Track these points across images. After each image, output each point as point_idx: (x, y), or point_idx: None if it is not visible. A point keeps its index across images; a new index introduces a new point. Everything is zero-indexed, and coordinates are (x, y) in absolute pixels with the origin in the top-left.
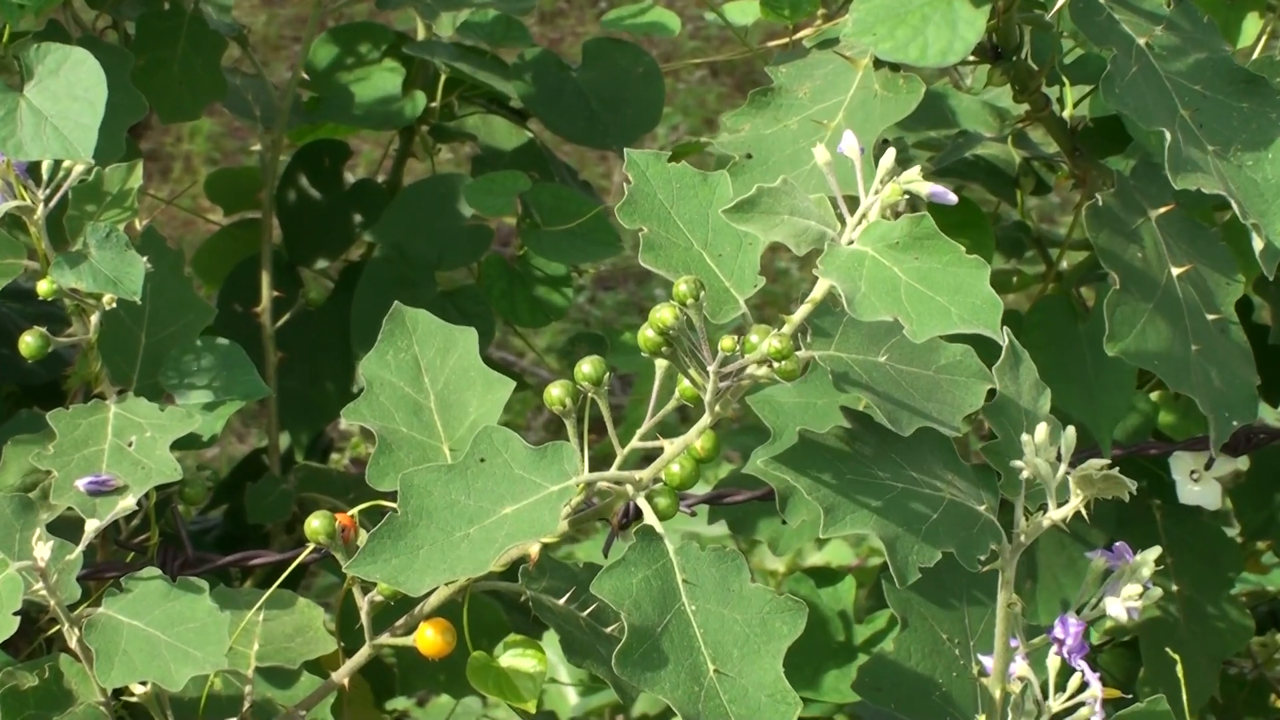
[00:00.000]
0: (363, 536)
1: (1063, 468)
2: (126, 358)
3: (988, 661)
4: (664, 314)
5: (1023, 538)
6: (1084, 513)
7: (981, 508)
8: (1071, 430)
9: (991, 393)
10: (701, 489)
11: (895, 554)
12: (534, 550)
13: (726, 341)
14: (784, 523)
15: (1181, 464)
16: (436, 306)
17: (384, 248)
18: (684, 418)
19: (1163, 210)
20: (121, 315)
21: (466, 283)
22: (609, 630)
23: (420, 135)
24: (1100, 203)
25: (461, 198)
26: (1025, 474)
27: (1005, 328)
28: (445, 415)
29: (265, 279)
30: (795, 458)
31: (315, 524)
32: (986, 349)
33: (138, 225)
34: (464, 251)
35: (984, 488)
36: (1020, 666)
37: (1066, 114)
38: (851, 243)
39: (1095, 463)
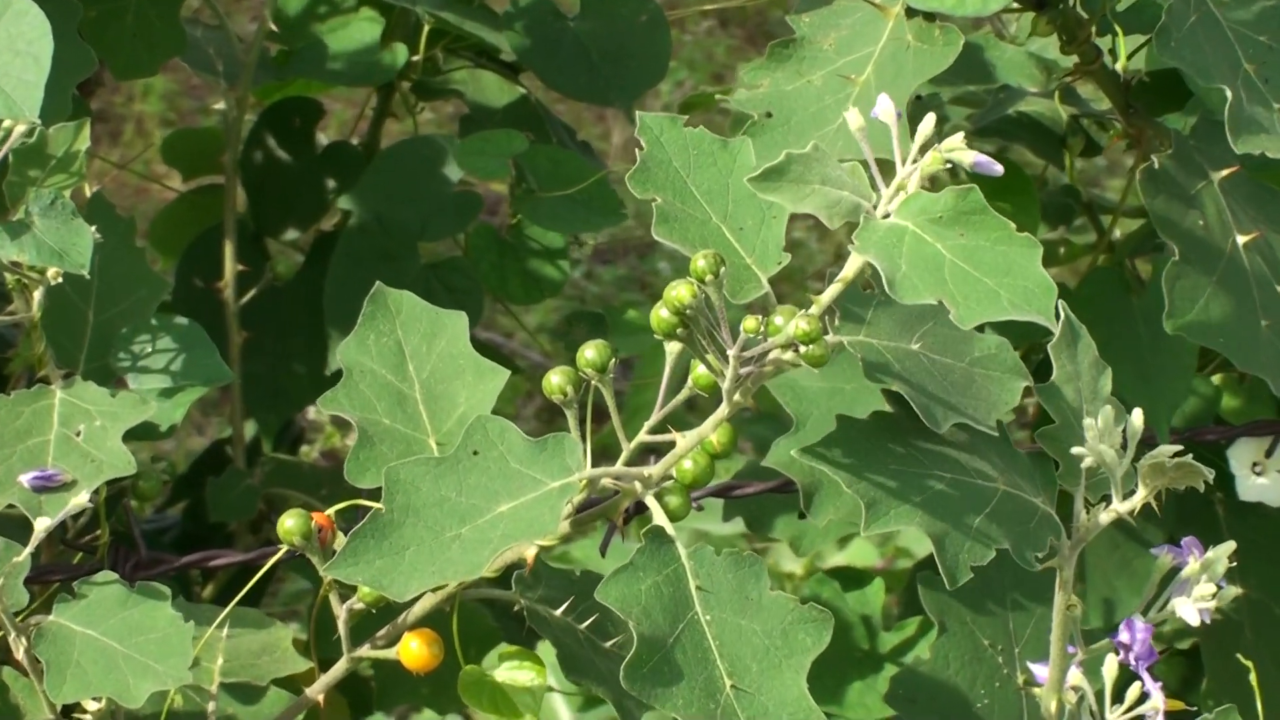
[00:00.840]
0: (340, 539)
1: (1128, 455)
2: (73, 338)
3: (1038, 670)
4: (681, 292)
5: (1083, 533)
6: (1154, 505)
7: (1038, 500)
8: (1138, 413)
9: (1028, 391)
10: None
11: (945, 552)
12: (530, 554)
13: (750, 322)
14: (802, 518)
15: (1242, 456)
16: (419, 281)
17: (360, 217)
18: (690, 407)
19: (1226, 173)
20: (68, 291)
21: (452, 255)
22: (609, 645)
23: (401, 92)
24: (1156, 165)
25: (447, 161)
26: (1087, 462)
27: (1062, 302)
28: (432, 406)
29: (228, 251)
30: (831, 446)
31: (289, 524)
32: (1031, 333)
33: (86, 191)
34: (450, 220)
35: (1040, 477)
36: (1075, 675)
37: (1119, 67)
38: (889, 216)
39: (1167, 449)
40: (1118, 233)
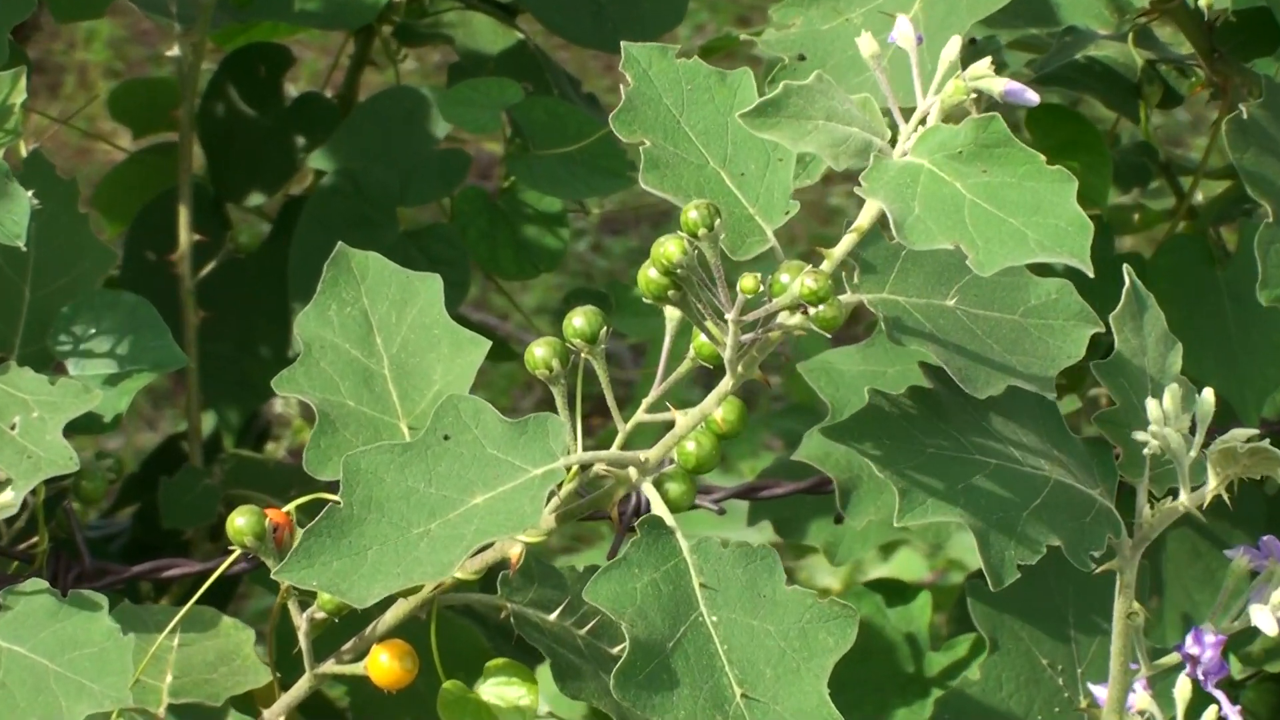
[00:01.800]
0: (300, 538)
1: (1198, 441)
2: (6, 318)
3: (1099, 692)
4: (669, 248)
5: (1146, 529)
6: (1225, 500)
7: (1095, 491)
8: (1209, 394)
9: (1095, 341)
10: (736, 481)
11: (989, 548)
12: (515, 552)
13: (747, 281)
14: (838, 521)
15: None
16: (397, 250)
17: (333, 178)
18: (702, 384)
19: None
20: (0, 264)
21: (436, 222)
22: (615, 651)
23: (381, 37)
24: (1245, 115)
25: (431, 115)
26: (1151, 448)
27: (1127, 266)
28: (403, 384)
29: (183, 218)
30: (861, 427)
31: (240, 522)
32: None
33: (21, 150)
34: (434, 182)
35: (1098, 466)
36: (1141, 697)
37: (1202, 4)
38: (905, 154)
39: (1240, 433)
40: (1199, 196)
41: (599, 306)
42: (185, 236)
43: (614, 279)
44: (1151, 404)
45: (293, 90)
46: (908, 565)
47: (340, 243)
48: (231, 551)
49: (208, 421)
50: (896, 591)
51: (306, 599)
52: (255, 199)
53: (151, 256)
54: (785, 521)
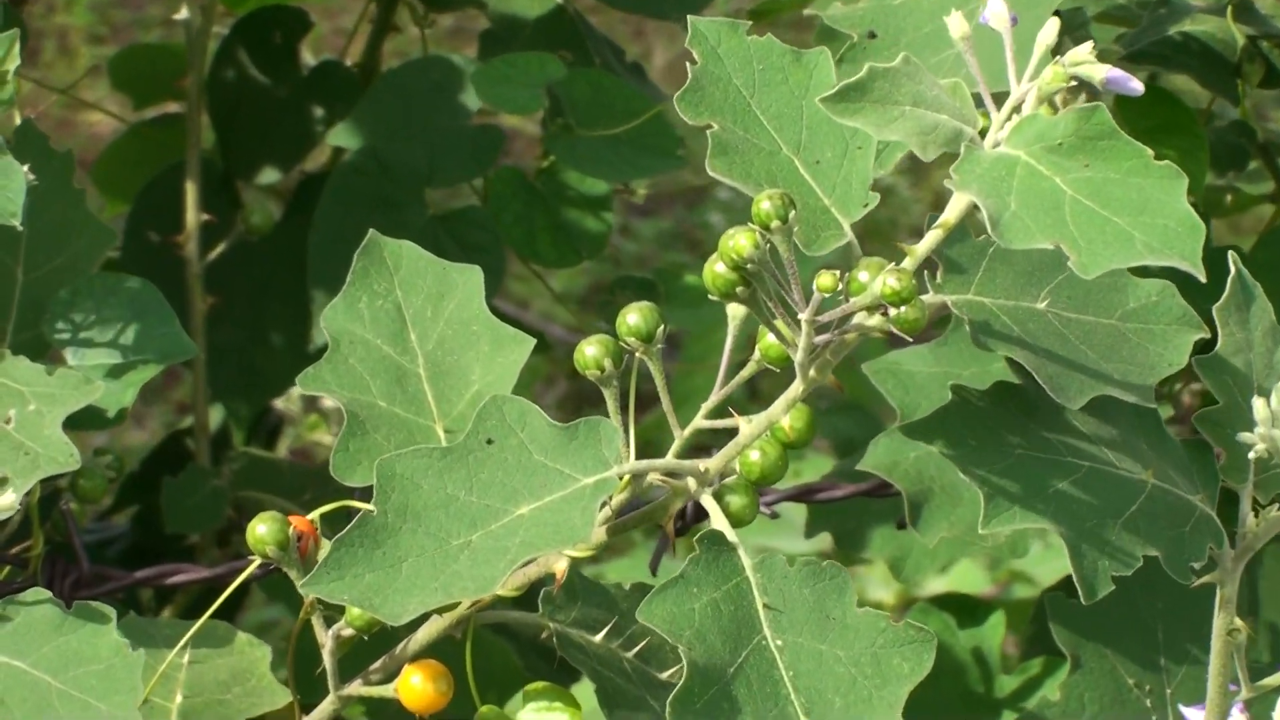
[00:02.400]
0: (326, 547)
1: None
2: None
3: (1193, 715)
4: (741, 241)
5: (1250, 540)
6: None
7: (1195, 498)
8: None
9: (1200, 345)
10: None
11: (1081, 558)
12: (560, 568)
13: (825, 279)
14: (900, 528)
15: None
16: (426, 235)
17: (355, 156)
18: (753, 394)
19: None
20: None
21: (468, 204)
22: (666, 676)
23: (406, 1)
24: None
25: (463, 86)
26: (1256, 451)
27: (1233, 254)
28: (439, 384)
29: (190, 196)
30: (942, 426)
31: (261, 530)
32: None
33: (15, 120)
34: (466, 161)
35: (1197, 470)
36: None
37: None
38: (998, 145)
39: None
40: None
41: (648, 296)
42: (192, 216)
43: (646, 264)
44: (1258, 403)
45: (310, 58)
46: (967, 578)
47: (372, 231)
48: (244, 558)
49: (215, 416)
50: (966, 608)
51: (332, 614)
52: (268, 176)
53: (154, 237)
54: (847, 534)
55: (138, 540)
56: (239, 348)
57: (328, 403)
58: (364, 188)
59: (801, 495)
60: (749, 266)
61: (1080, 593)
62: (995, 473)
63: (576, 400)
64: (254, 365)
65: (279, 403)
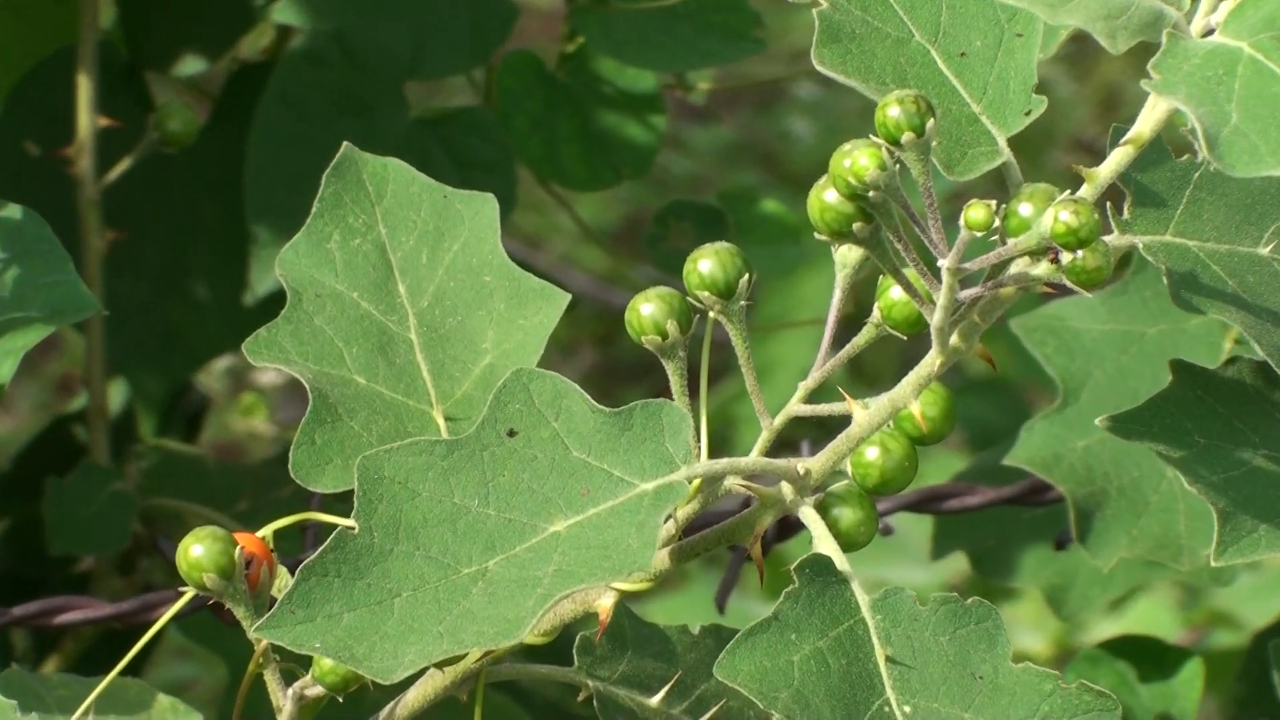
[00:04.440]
0: (284, 576)
1: None
2: None
3: None
4: (862, 161)
5: None
6: None
7: None
8: None
9: None
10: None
11: None
12: (604, 605)
13: (977, 213)
14: (1059, 548)
15: None
16: (408, 147)
17: (309, 38)
18: (857, 371)
19: None
20: None
21: (466, 105)
22: None
23: None
24: None
25: None
26: None
27: None
28: (437, 354)
29: (84, 94)
30: (1162, 417)
31: (198, 552)
32: None
33: None
34: (463, 44)
35: None
36: None
37: None
38: (1211, 31)
39: None
40: None
41: (711, 230)
42: (85, 120)
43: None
44: None
45: None
46: (1150, 618)
47: (347, 144)
48: (155, 589)
49: (116, 396)
50: (1150, 657)
51: (293, 668)
52: (190, 66)
53: (34, 149)
54: (988, 556)
55: (10, 565)
56: (148, 303)
57: (265, 376)
58: (322, 82)
59: (924, 503)
60: (871, 195)
61: None
62: (1233, 482)
63: (606, 375)
64: (170, 326)
65: (202, 378)
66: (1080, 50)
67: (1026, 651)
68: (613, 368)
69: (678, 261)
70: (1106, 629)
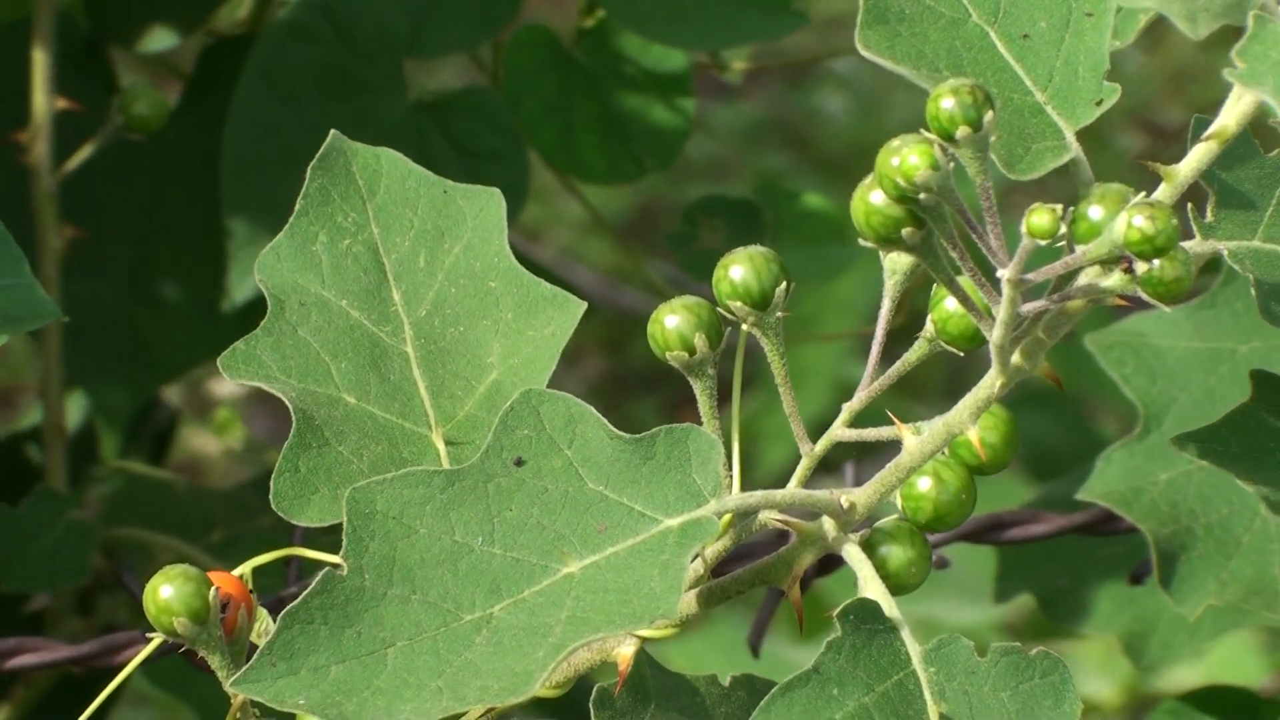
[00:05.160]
0: (265, 620)
1: None
2: None
3: None
4: (912, 159)
5: None
6: None
7: None
8: None
9: None
10: None
11: None
12: (625, 654)
13: (1041, 218)
14: (1135, 582)
15: None
16: (406, 134)
17: (294, 10)
18: (900, 385)
19: None
20: None
21: (472, 86)
22: None
23: None
24: None
25: None
26: None
27: None
28: (437, 370)
29: (40, 72)
30: (1239, 435)
31: (168, 593)
32: None
33: None
34: (468, 18)
35: None
36: None
37: None
38: None
39: None
40: None
41: (745, 228)
42: (42, 102)
43: (725, 173)
44: None
45: None
46: (1233, 662)
47: (335, 132)
48: (119, 629)
49: (74, 411)
50: (1241, 709)
51: None
52: (159, 41)
53: None
54: (1057, 597)
55: None
56: (113, 307)
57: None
58: (308, 60)
59: (984, 532)
60: (922, 197)
61: None
62: None
63: (615, 386)
64: (136, 334)
65: (170, 393)
66: (1152, 26)
67: (1093, 698)
68: (621, 377)
69: (707, 264)
70: (1181, 675)
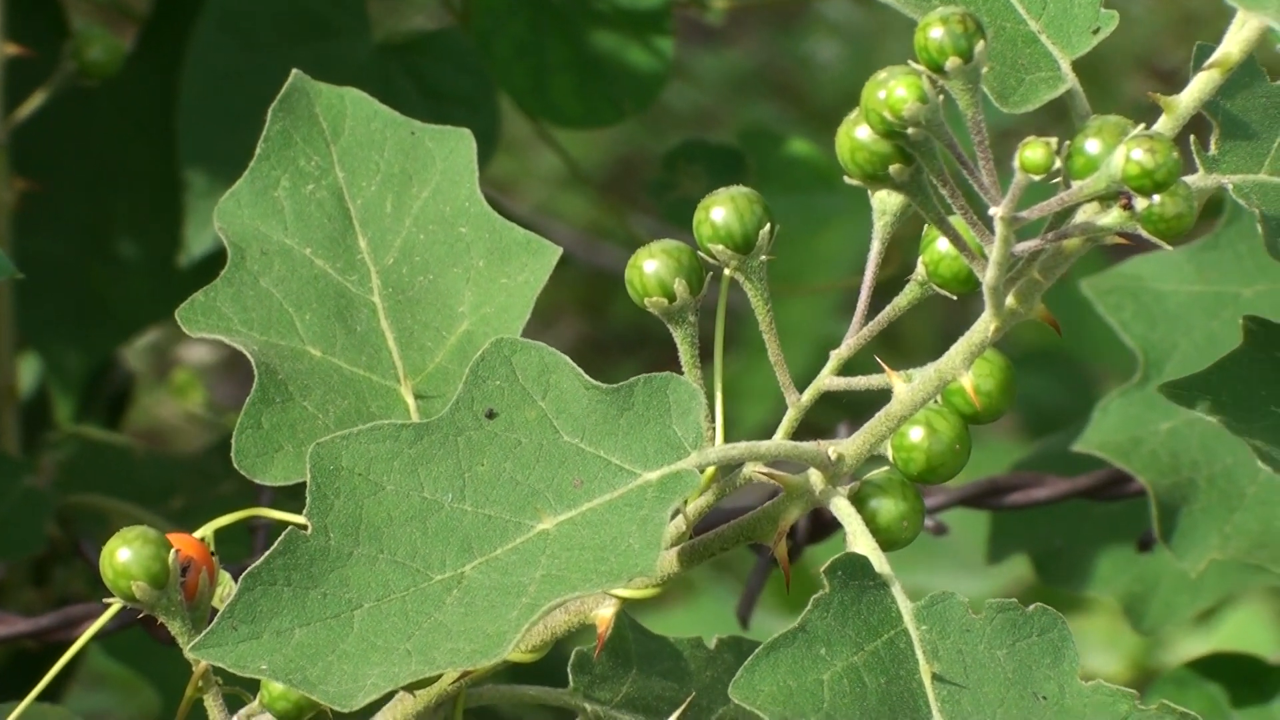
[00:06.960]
0: (228, 584)
1: None
2: None
3: None
4: (899, 92)
5: None
6: None
7: None
8: None
9: None
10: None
11: None
12: (604, 615)
13: (1035, 152)
14: (1143, 549)
15: None
16: (371, 76)
17: None
18: (889, 342)
19: None
20: None
21: (439, 28)
22: None
23: None
24: None
25: None
26: None
27: None
28: (405, 320)
29: None
30: (1232, 383)
31: (125, 556)
32: None
33: None
34: None
35: None
36: None
37: None
38: None
39: None
40: None
41: (730, 175)
42: None
43: (709, 122)
44: None
45: None
46: (1244, 632)
47: (296, 71)
48: (76, 601)
49: (26, 374)
50: (1247, 677)
51: (240, 692)
52: None
53: None
54: (1054, 559)
55: None
56: (66, 263)
57: (196, 350)
58: (269, 1)
59: (983, 496)
60: (910, 131)
61: None
62: None
63: (594, 348)
64: (90, 291)
65: (130, 357)
66: None
67: (1098, 672)
68: (601, 340)
69: (688, 212)
70: (1191, 646)
